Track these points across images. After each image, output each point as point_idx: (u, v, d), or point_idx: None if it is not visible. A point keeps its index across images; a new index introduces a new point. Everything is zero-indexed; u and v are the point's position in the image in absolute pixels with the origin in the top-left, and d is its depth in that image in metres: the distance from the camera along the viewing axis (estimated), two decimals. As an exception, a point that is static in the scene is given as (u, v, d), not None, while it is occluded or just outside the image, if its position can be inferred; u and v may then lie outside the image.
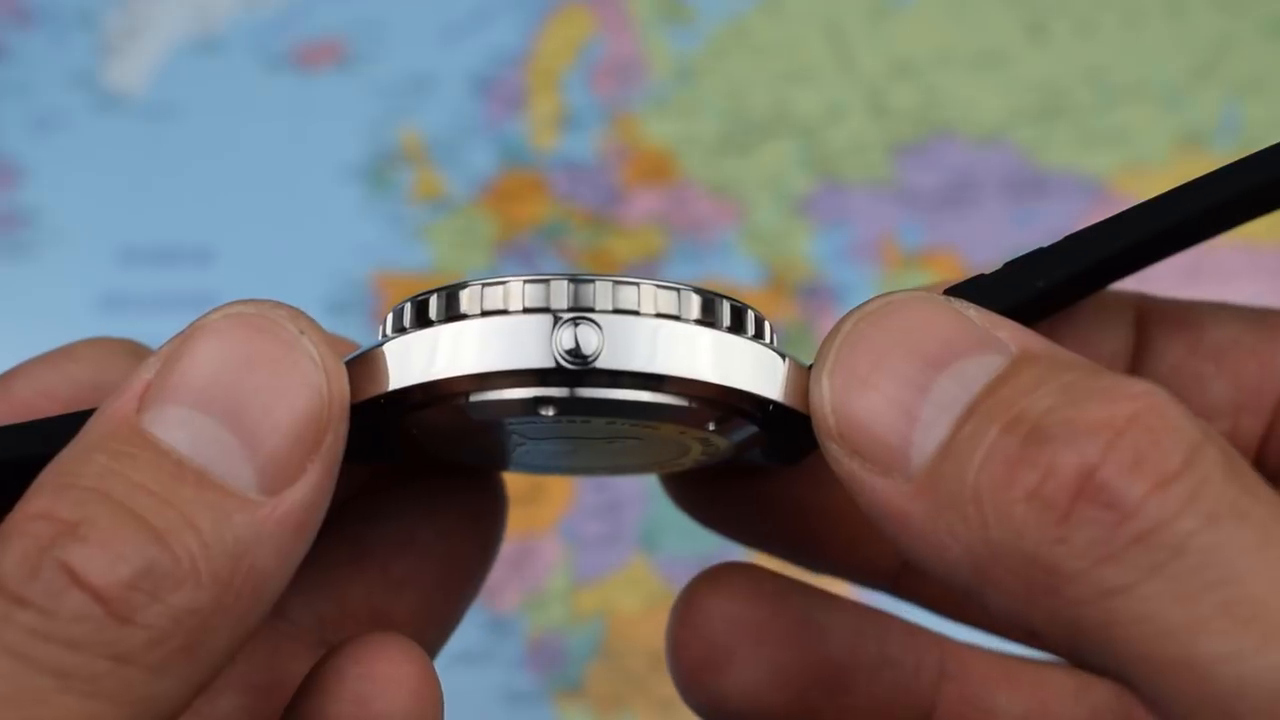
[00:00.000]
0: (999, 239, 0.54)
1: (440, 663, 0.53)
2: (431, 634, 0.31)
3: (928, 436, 0.24)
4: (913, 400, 0.24)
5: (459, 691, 0.52)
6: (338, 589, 0.30)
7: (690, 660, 0.30)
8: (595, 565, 0.51)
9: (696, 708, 0.30)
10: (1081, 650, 0.23)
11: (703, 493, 0.32)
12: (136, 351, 0.29)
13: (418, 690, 0.26)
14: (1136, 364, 0.30)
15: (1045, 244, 0.27)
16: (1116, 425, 0.22)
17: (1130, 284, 0.29)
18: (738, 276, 0.53)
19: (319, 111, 0.55)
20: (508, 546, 0.52)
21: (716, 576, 0.30)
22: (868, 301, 0.25)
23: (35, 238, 0.54)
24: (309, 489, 0.24)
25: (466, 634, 0.51)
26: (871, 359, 0.24)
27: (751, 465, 0.30)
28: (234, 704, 0.29)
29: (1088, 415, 0.23)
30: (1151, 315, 0.31)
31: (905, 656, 0.30)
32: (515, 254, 0.54)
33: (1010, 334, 0.24)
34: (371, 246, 0.54)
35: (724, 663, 0.29)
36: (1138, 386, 0.23)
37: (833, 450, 0.25)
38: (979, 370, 0.24)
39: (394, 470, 0.31)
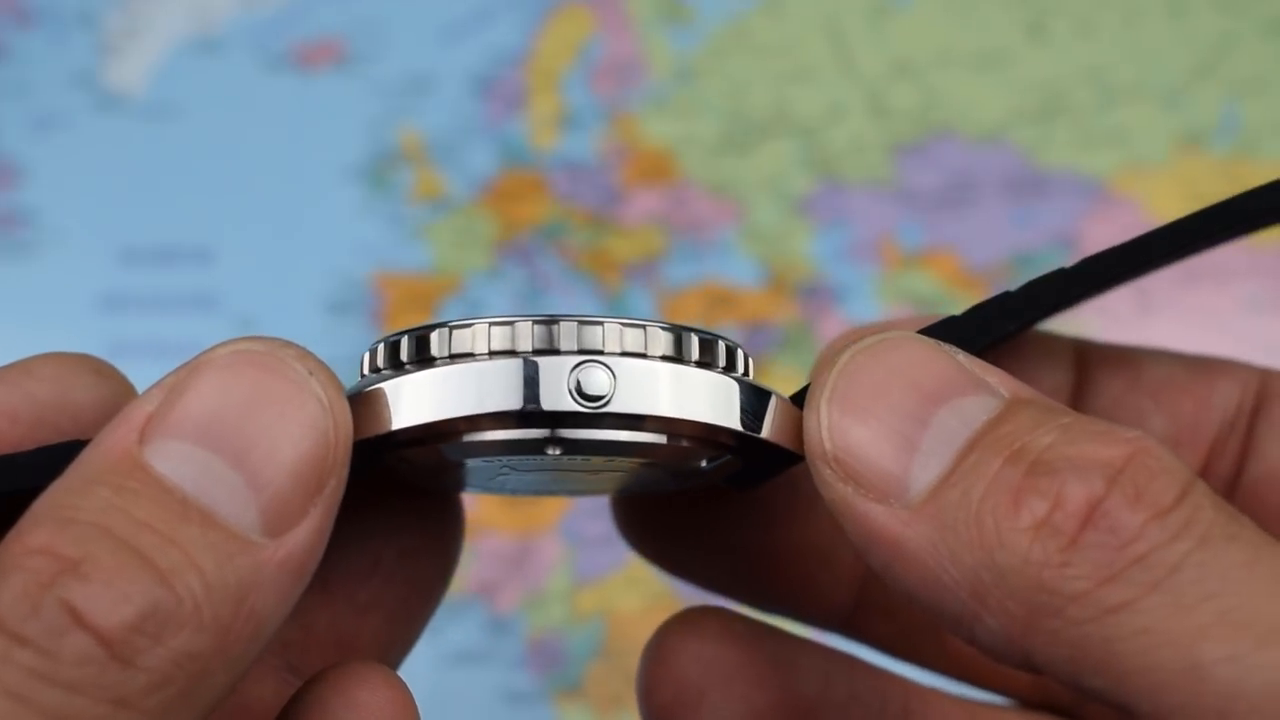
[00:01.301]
0: (999, 239, 0.54)
1: (440, 663, 0.53)
2: (394, 654, 0.31)
3: (927, 466, 0.25)
4: (913, 431, 0.25)
5: (459, 691, 0.52)
6: (305, 615, 0.30)
7: (663, 700, 0.30)
8: (595, 565, 0.51)
9: None
10: (1080, 671, 0.23)
11: (656, 533, 0.32)
12: (99, 369, 0.28)
13: (398, 717, 0.26)
14: (1077, 399, 0.32)
15: (1010, 288, 0.28)
16: (1116, 464, 0.24)
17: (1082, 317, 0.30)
18: (737, 276, 0.53)
19: (319, 111, 0.55)
20: (508, 546, 0.52)
21: (688, 619, 0.31)
22: (860, 336, 0.26)
23: (35, 238, 0.54)
24: (310, 532, 0.23)
25: (466, 634, 0.51)
26: (871, 390, 0.25)
27: (706, 488, 0.30)
28: None
29: (1088, 454, 0.24)
30: (1091, 356, 0.32)
31: (872, 696, 0.31)
32: (515, 254, 0.54)
33: (999, 380, 0.25)
34: (371, 246, 0.54)
35: (696, 702, 0.30)
36: (1130, 432, 0.24)
37: (825, 475, 0.25)
38: (977, 409, 0.25)
39: (352, 492, 0.31)
